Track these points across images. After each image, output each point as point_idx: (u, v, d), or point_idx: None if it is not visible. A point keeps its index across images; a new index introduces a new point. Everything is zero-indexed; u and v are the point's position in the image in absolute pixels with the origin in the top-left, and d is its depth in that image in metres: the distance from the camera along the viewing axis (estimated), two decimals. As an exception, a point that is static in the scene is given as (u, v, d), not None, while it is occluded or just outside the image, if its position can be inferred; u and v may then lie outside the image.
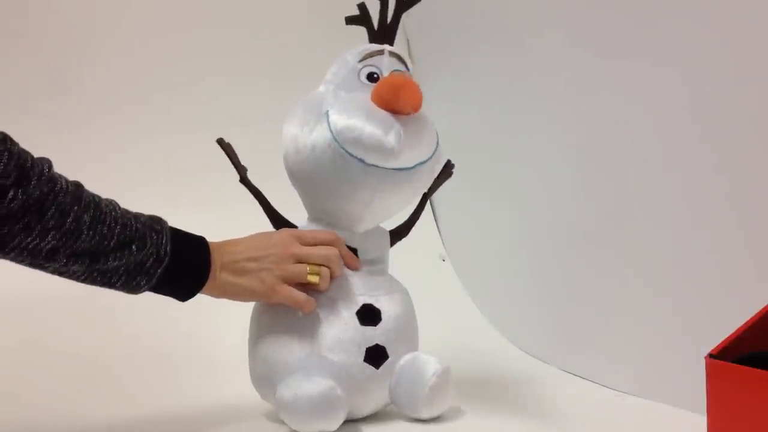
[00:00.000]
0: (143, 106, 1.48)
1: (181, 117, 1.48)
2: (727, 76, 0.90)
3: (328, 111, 0.86)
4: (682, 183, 0.96)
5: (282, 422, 0.85)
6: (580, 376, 1.08)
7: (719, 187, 0.91)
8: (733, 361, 0.63)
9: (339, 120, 0.85)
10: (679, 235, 0.96)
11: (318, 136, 0.86)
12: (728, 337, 0.67)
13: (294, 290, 0.84)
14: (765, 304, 0.71)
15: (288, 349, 0.86)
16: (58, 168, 0.74)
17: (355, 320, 0.86)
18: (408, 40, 1.55)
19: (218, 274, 0.82)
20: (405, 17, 0.97)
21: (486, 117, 1.34)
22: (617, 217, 1.06)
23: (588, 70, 1.09)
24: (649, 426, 0.91)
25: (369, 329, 0.87)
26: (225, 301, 0.85)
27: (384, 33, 0.95)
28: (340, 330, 0.86)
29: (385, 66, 0.90)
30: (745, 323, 0.69)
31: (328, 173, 0.86)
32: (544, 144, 1.19)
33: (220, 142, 0.92)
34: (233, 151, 0.93)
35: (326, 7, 1.32)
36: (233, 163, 0.92)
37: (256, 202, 0.94)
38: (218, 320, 1.13)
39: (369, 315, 0.87)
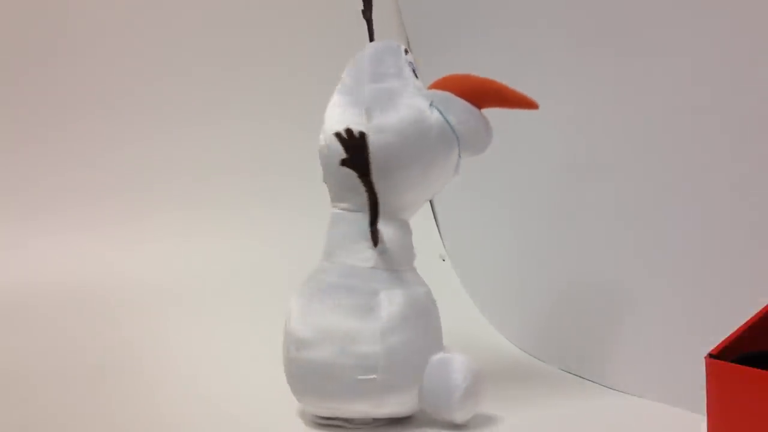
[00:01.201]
0: (141, 107, 1.49)
1: (182, 118, 1.48)
2: (725, 74, 0.89)
3: (431, 103, 0.88)
4: (682, 183, 0.96)
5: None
6: (580, 376, 1.08)
7: (719, 186, 0.91)
8: (733, 361, 0.63)
9: (453, 113, 0.88)
10: (680, 235, 0.96)
11: (433, 124, 0.88)
12: (728, 337, 0.66)
13: None
14: (765, 304, 0.71)
15: (424, 354, 0.88)
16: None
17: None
18: (408, 40, 1.55)
19: None
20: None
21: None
22: (617, 217, 1.06)
23: (589, 70, 1.09)
24: (649, 426, 0.91)
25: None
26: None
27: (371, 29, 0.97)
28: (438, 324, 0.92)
29: (414, 63, 0.93)
30: (745, 323, 0.69)
31: (433, 160, 0.89)
32: (544, 144, 1.19)
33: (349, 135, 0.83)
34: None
35: (318, 6, 1.32)
36: (365, 158, 0.84)
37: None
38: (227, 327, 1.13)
39: None
